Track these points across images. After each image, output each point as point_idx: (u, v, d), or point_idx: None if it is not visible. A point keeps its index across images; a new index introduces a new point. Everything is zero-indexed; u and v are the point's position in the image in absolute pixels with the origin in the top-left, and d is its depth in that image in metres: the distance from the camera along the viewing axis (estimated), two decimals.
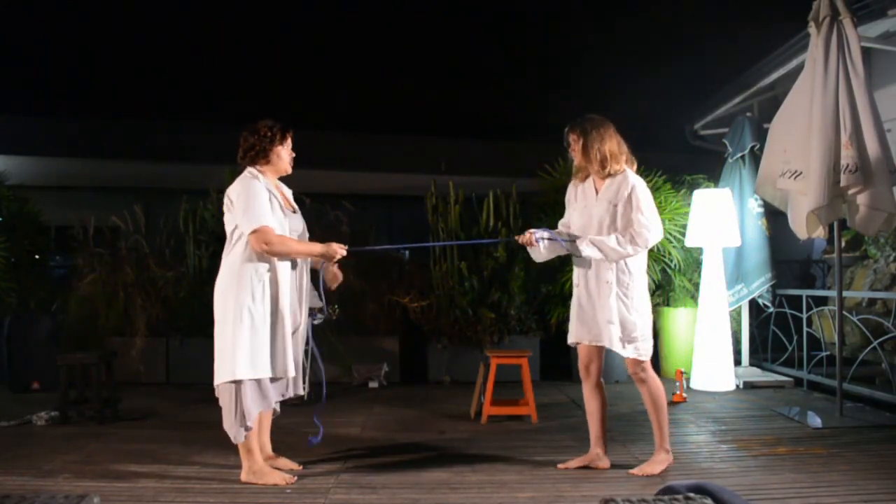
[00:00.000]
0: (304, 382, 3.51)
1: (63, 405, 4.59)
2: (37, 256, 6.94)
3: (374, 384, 6.05)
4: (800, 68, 4.61)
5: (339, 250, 3.34)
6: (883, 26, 5.30)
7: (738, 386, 5.72)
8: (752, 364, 6.24)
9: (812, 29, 4.28)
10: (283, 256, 3.25)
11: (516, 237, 3.64)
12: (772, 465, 3.51)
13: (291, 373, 3.27)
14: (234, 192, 3.26)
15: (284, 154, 3.39)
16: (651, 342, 3.47)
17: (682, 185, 6.57)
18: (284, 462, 3.47)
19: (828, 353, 5.46)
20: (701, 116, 7.57)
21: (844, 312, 4.84)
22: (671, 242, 6.15)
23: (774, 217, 6.07)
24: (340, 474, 3.41)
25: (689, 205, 6.00)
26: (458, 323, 6.30)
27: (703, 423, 4.54)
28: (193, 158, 7.86)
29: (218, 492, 3.13)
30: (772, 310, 6.15)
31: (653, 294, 6.43)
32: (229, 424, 3.20)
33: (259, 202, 3.20)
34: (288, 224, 3.36)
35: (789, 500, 2.96)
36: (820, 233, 4.34)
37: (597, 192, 3.46)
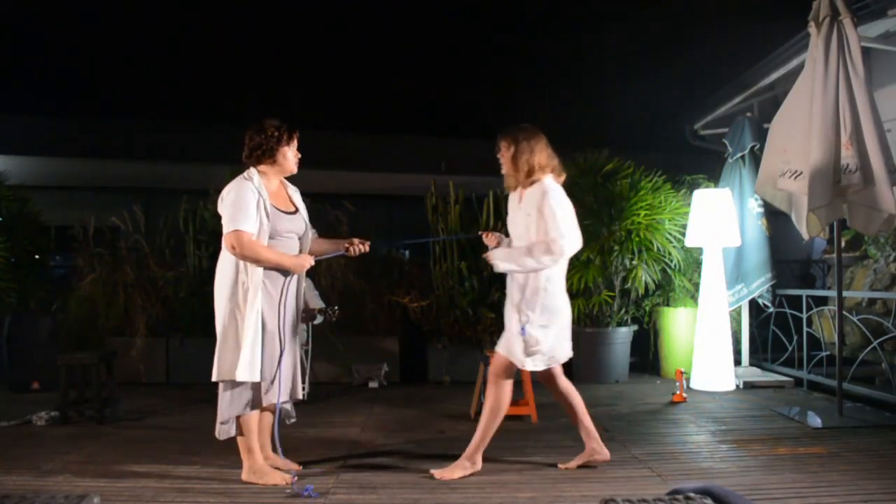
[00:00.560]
0: (303, 384, 3.51)
1: (63, 405, 4.59)
2: (37, 256, 6.94)
3: (374, 384, 6.05)
4: (800, 68, 4.61)
5: (307, 263, 3.34)
6: (883, 26, 5.30)
7: (738, 386, 5.72)
8: (752, 364, 6.23)
9: (812, 29, 4.28)
10: (251, 262, 3.20)
11: (482, 233, 3.63)
12: (772, 465, 3.51)
13: (273, 374, 3.26)
14: (225, 192, 3.27)
15: (290, 154, 3.38)
16: (558, 353, 3.40)
17: (682, 185, 6.57)
18: (285, 462, 3.47)
19: (828, 353, 5.46)
20: (701, 116, 7.57)
21: (844, 312, 4.84)
22: (671, 242, 6.15)
23: (774, 217, 6.07)
24: (340, 474, 3.41)
25: (689, 205, 6.00)
26: (458, 323, 6.30)
27: (703, 423, 4.54)
28: (193, 158, 7.87)
29: (218, 492, 3.13)
30: (772, 310, 6.15)
31: (653, 294, 6.45)
32: (220, 421, 3.24)
33: (243, 205, 3.18)
34: (287, 225, 3.34)
35: (789, 500, 2.96)
36: (821, 232, 4.35)
37: (520, 202, 3.46)
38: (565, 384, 3.55)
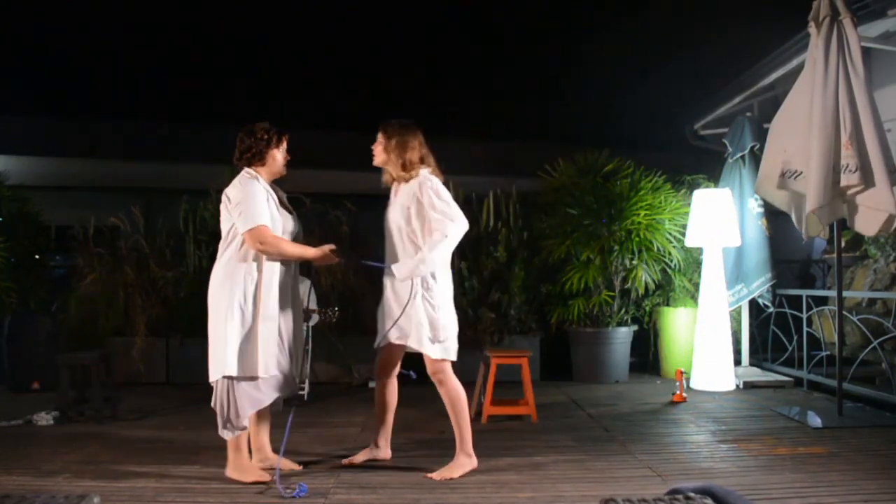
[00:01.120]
0: (304, 384, 3.52)
1: (63, 405, 4.59)
2: (37, 256, 6.93)
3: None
4: (800, 68, 4.61)
5: (330, 255, 3.42)
6: (883, 26, 5.30)
7: (738, 386, 5.72)
8: (752, 364, 6.24)
9: (812, 29, 4.28)
10: (276, 257, 3.29)
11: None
12: (772, 465, 3.51)
13: (274, 372, 3.29)
14: (232, 192, 3.31)
15: (280, 157, 3.46)
16: (456, 342, 3.52)
17: (682, 185, 6.57)
18: (284, 462, 3.47)
19: (828, 353, 5.46)
20: (701, 116, 7.56)
21: (844, 312, 4.84)
22: (671, 242, 6.16)
23: (774, 217, 6.08)
24: (340, 474, 3.41)
25: (689, 205, 6.00)
26: (458, 323, 6.29)
27: (703, 423, 4.54)
28: (193, 158, 7.85)
29: (218, 492, 3.13)
30: (772, 310, 6.16)
31: (653, 294, 6.45)
32: (221, 421, 3.24)
33: (257, 202, 3.26)
34: (287, 225, 3.41)
35: (789, 500, 2.96)
36: (821, 232, 4.35)
37: (395, 196, 3.52)
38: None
